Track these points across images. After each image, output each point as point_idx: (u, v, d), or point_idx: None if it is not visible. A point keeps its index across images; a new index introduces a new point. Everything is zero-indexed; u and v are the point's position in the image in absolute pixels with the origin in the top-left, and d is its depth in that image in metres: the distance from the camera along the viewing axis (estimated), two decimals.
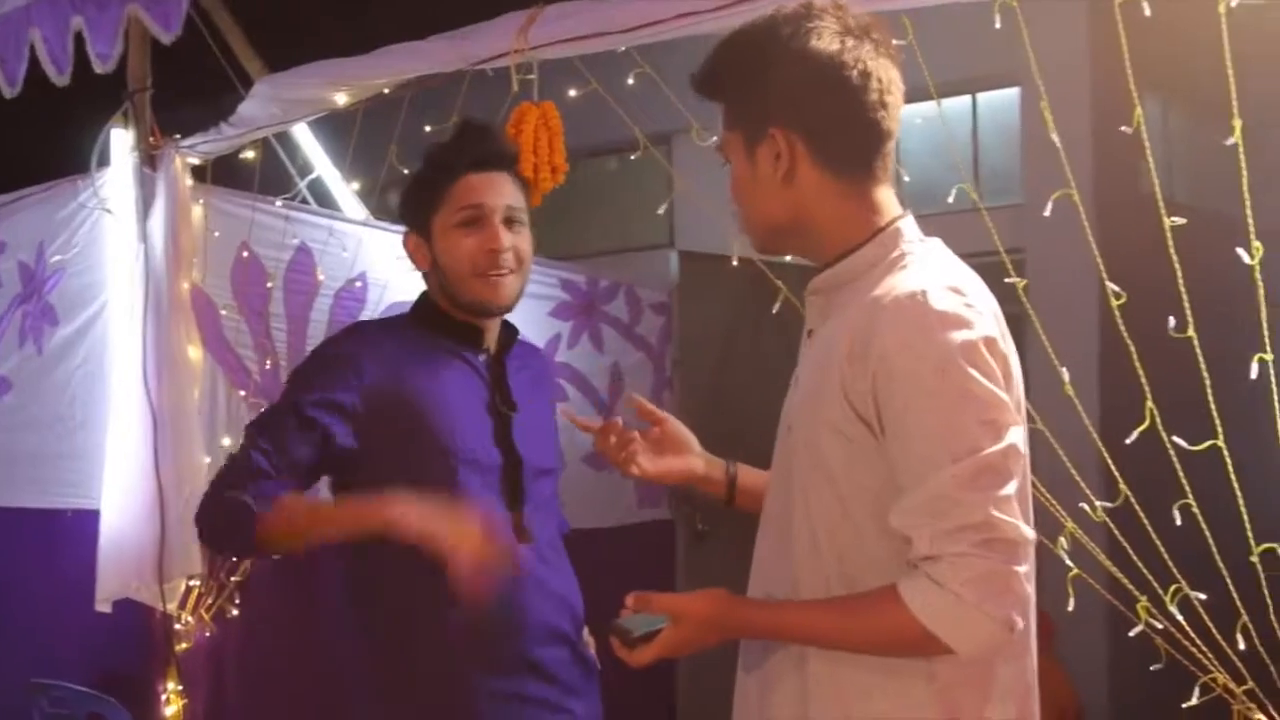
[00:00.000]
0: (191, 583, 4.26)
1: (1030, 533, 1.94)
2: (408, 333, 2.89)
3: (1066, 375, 2.93)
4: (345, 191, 5.04)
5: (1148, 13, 2.77)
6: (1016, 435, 1.97)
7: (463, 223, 2.84)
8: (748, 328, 6.53)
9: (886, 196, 2.16)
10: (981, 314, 2.02)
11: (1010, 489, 1.93)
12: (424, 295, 2.99)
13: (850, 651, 2.02)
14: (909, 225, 2.15)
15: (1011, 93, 7.61)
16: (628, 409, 2.73)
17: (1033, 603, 1.99)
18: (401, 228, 4.59)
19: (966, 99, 8.20)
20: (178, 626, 4.27)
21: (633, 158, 4.11)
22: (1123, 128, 2.92)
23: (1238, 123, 2.71)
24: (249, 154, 4.42)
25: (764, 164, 2.14)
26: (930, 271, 2.05)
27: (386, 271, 4.71)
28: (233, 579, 4.35)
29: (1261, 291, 2.64)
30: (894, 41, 2.18)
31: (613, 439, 2.60)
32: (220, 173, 4.52)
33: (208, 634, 4.33)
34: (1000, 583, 1.89)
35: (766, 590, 2.19)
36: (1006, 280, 2.99)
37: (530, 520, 2.85)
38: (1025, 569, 1.92)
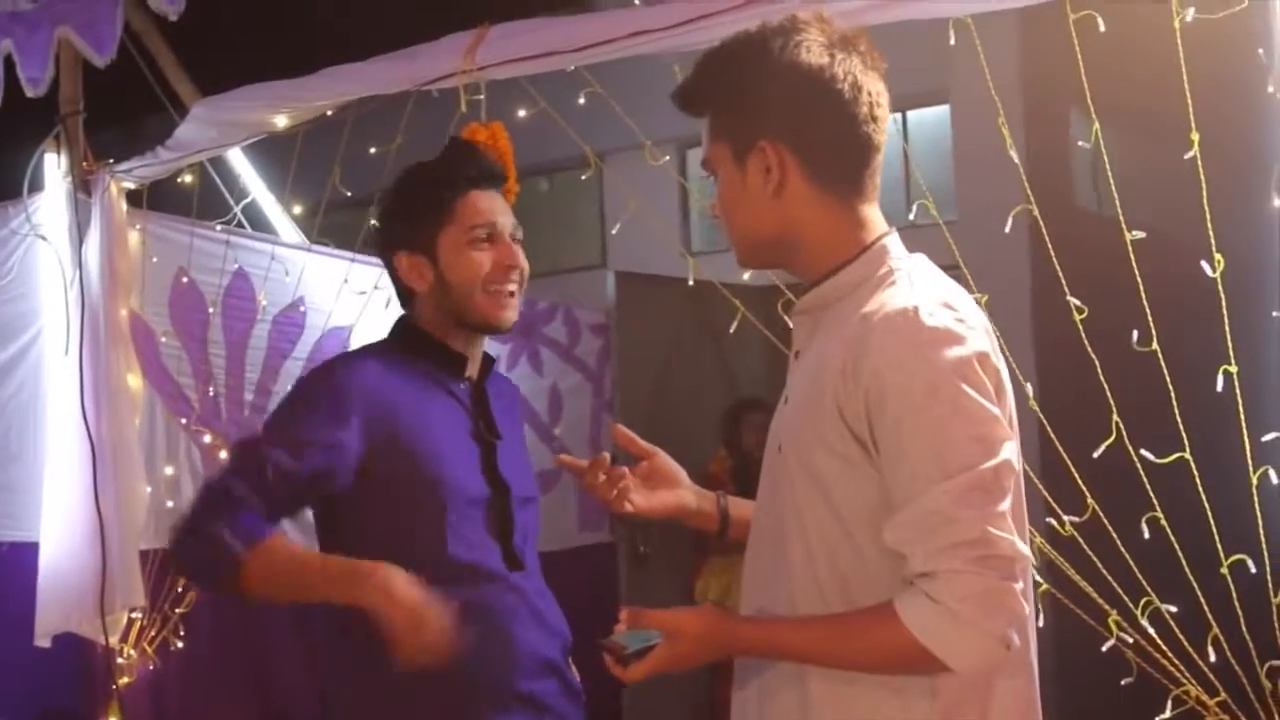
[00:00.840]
0: (134, 615, 4.18)
1: (1025, 549, 1.93)
2: (391, 362, 2.82)
3: (1031, 390, 2.93)
4: (281, 216, 4.97)
5: (1101, 28, 2.79)
6: (1009, 450, 1.96)
7: (479, 239, 2.81)
8: (685, 347, 6.53)
9: (873, 213, 2.14)
10: (973, 329, 2.01)
11: (1004, 505, 1.92)
12: (404, 322, 2.92)
13: (846, 670, 2.00)
14: (894, 242, 2.14)
15: (943, 110, 7.67)
16: (612, 442, 2.66)
17: (1029, 619, 1.98)
18: (344, 252, 4.60)
19: (896, 116, 8.26)
20: (120, 660, 4.19)
21: (584, 177, 4.08)
22: (1080, 142, 2.94)
23: (1195, 136, 2.73)
24: (187, 178, 4.34)
25: (754, 176, 2.10)
26: (921, 288, 2.04)
27: (326, 297, 4.64)
28: (177, 611, 4.26)
29: (1224, 304, 2.66)
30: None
31: (602, 476, 2.55)
32: (155, 196, 4.45)
33: (150, 667, 4.25)
34: (996, 599, 1.88)
35: (759, 609, 2.17)
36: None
37: (520, 549, 2.80)
38: (1021, 585, 1.91)
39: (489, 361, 2.93)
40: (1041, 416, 3.00)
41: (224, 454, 4.45)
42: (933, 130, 8.00)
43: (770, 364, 7.13)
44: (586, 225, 8.15)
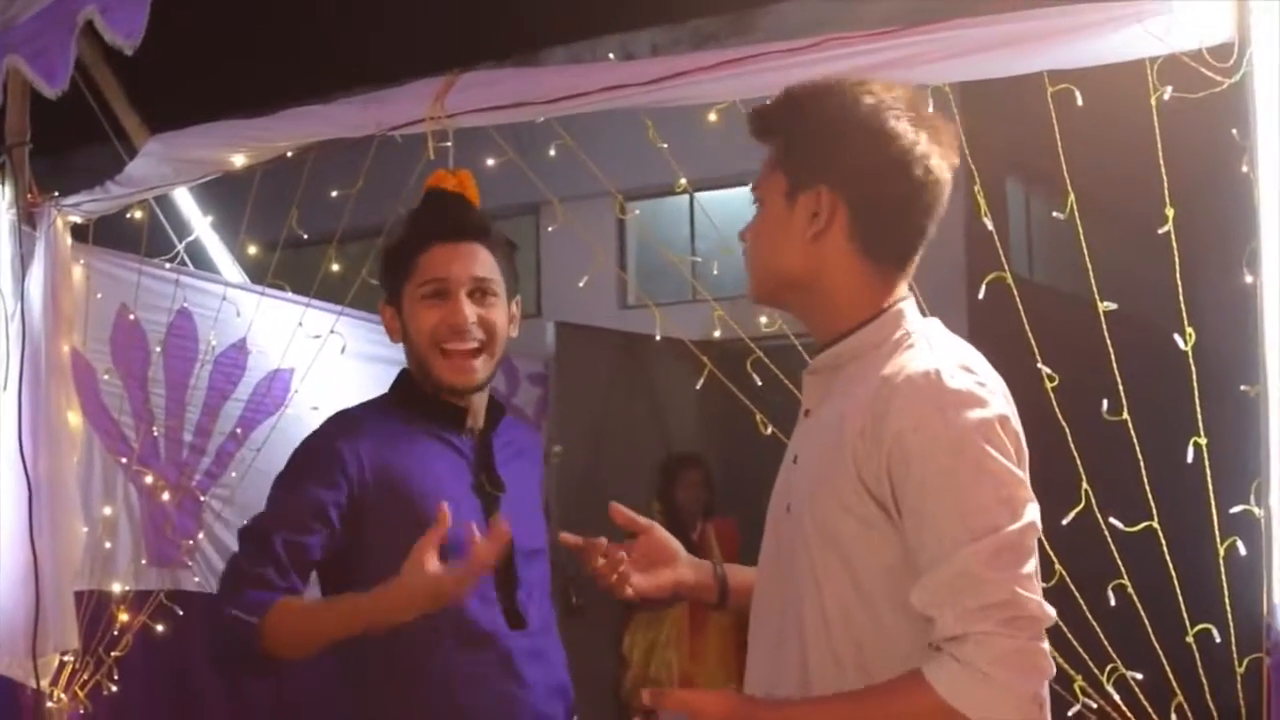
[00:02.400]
0: (66, 658, 4.07)
1: (1050, 610, 1.96)
2: (388, 417, 2.79)
3: None
4: (225, 255, 4.91)
5: (1079, 101, 2.83)
6: (1033, 512, 1.98)
7: (426, 295, 2.77)
8: (621, 399, 6.53)
9: (900, 284, 2.18)
10: (993, 392, 2.03)
11: (1030, 566, 1.95)
12: (404, 374, 2.90)
13: None
14: (910, 307, 2.17)
15: None
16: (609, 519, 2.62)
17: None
18: (299, 296, 4.55)
19: None
20: (50, 704, 4.07)
21: (550, 229, 4.07)
22: (1055, 214, 2.97)
23: (1170, 211, 2.77)
24: (137, 214, 4.27)
25: (799, 216, 2.13)
26: (940, 351, 2.06)
27: (273, 339, 4.58)
28: (111, 654, 4.17)
29: (1194, 377, 2.69)
30: None
31: (601, 560, 2.52)
32: (97, 232, 4.38)
33: (81, 712, 4.14)
34: (1029, 660, 1.91)
35: (769, 677, 2.16)
36: None
37: (524, 605, 2.77)
38: (1047, 646, 1.94)
39: (499, 412, 2.90)
40: None
41: (165, 495, 4.39)
42: None
43: (703, 418, 7.15)
44: (524, 275, 8.14)
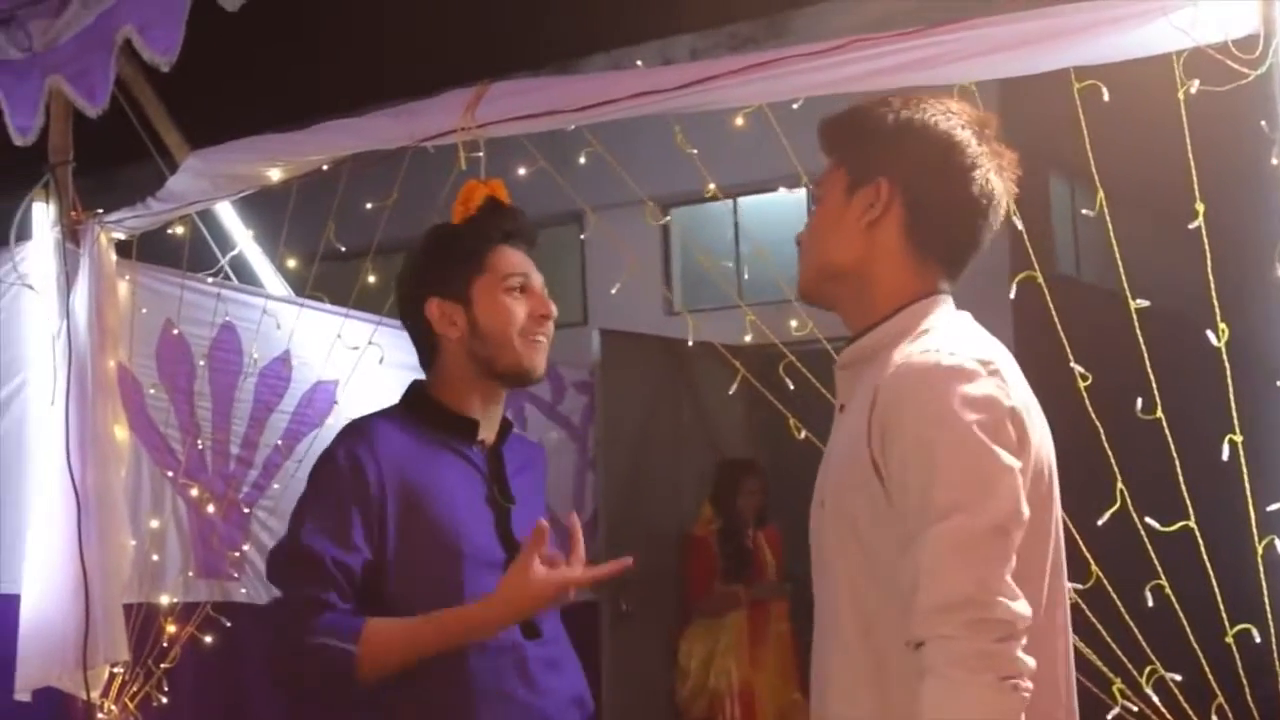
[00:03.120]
0: (116, 670, 4.11)
1: (1024, 608, 1.88)
2: (401, 428, 2.81)
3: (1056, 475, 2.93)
4: (268, 269, 4.95)
5: (1106, 97, 2.81)
6: (1013, 503, 1.93)
7: (511, 288, 2.84)
8: (668, 405, 6.53)
9: (939, 283, 2.22)
10: (1004, 382, 2.01)
11: (1001, 565, 1.89)
12: (416, 386, 2.92)
13: None
14: (943, 302, 2.20)
15: None
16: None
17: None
18: (338, 308, 4.57)
19: None
20: (101, 716, 4.11)
21: (583, 236, 4.07)
22: (1084, 210, 2.95)
23: (1200, 207, 2.74)
24: (178, 229, 4.31)
25: (857, 205, 2.19)
26: (953, 337, 2.07)
27: (315, 351, 4.62)
28: (160, 666, 4.21)
29: (1229, 373, 2.66)
30: None
31: None
32: (143, 247, 4.42)
33: None
34: (988, 661, 1.84)
35: (817, 675, 2.17)
36: None
37: (538, 616, 2.78)
38: (1019, 645, 1.86)
39: (507, 426, 2.93)
40: None
41: (211, 508, 4.42)
42: None
43: (751, 423, 7.14)
44: (568, 282, 8.13)
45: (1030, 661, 1.88)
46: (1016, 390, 2.06)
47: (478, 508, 2.78)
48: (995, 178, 2.19)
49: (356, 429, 2.81)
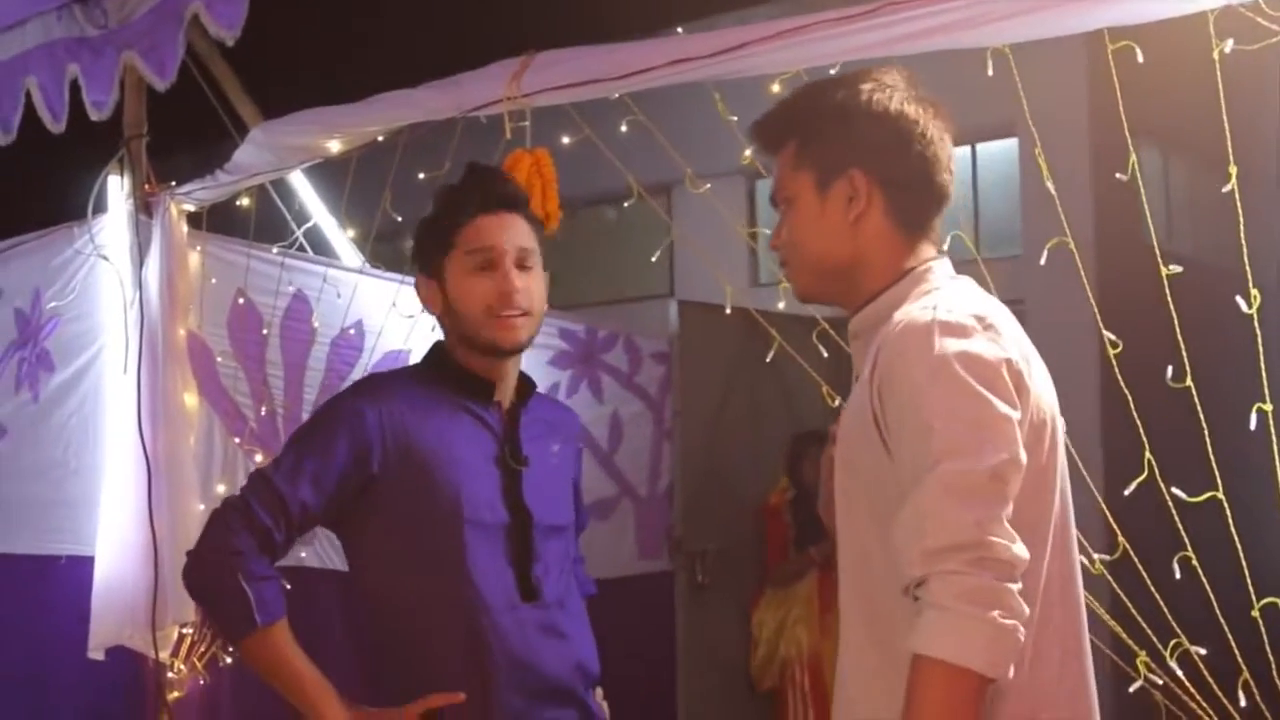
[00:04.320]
0: (184, 630, 4.21)
1: (1023, 552, 1.89)
2: (416, 386, 2.86)
3: (1063, 426, 2.89)
4: (341, 239, 5.02)
5: (1140, 59, 2.76)
6: (1011, 450, 1.93)
7: (475, 266, 2.83)
8: (746, 377, 6.52)
9: (928, 249, 2.24)
10: (999, 337, 2.02)
11: (1003, 509, 1.89)
12: (437, 346, 2.97)
13: None
14: (941, 265, 2.22)
15: (1011, 143, 7.60)
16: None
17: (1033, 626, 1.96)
18: (395, 275, 4.64)
19: (965, 149, 8.19)
20: (170, 675, 4.22)
21: (626, 205, 4.08)
22: (1117, 174, 2.90)
23: (1233, 170, 2.69)
24: (245, 201, 4.39)
25: (834, 204, 2.20)
26: (949, 296, 2.09)
27: (381, 319, 4.68)
28: None
29: (1260, 341, 2.61)
30: None
31: None
32: (218, 219, 4.51)
33: (201, 683, 4.28)
34: (995, 597, 1.85)
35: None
36: None
37: (540, 579, 2.81)
38: (1018, 588, 1.88)
39: (528, 386, 2.94)
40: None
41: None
42: (1001, 165, 7.94)
43: (829, 395, 7.09)
44: (655, 255, 8.18)
45: (1025, 608, 1.88)
46: (1013, 344, 2.06)
47: (485, 468, 2.81)
48: (942, 132, 2.22)
49: (369, 383, 2.90)
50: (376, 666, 2.76)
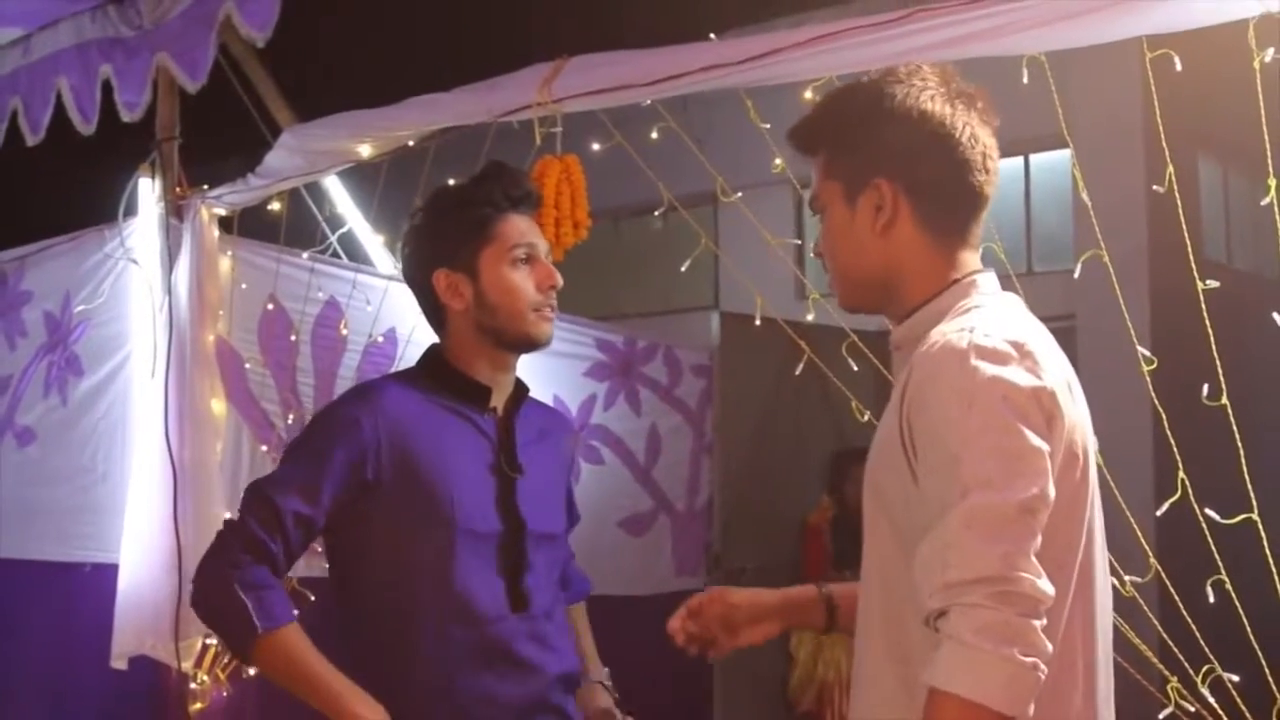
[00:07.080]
0: (208, 641, 4.17)
1: (1048, 587, 1.82)
2: (412, 391, 2.82)
3: (1094, 445, 2.80)
4: (374, 244, 4.98)
5: (1179, 68, 2.68)
6: (1041, 485, 1.86)
7: (517, 260, 2.82)
8: (789, 391, 6.44)
9: (971, 258, 2.16)
10: (1038, 366, 1.94)
11: (1027, 542, 1.82)
12: (432, 350, 2.93)
13: None
14: (986, 279, 2.14)
15: (1065, 154, 7.48)
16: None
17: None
18: None
19: (1018, 160, 8.08)
20: (193, 686, 4.18)
21: (670, 215, 4.02)
22: (1155, 187, 2.82)
23: (1273, 182, 2.60)
24: (276, 205, 4.36)
25: (863, 214, 2.14)
26: (990, 318, 2.01)
27: (412, 325, 4.63)
28: None
29: None
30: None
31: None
32: (250, 224, 4.48)
33: (224, 694, 4.24)
34: (1013, 631, 1.78)
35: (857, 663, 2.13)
36: None
37: (530, 589, 2.77)
38: (1042, 624, 1.81)
39: (522, 392, 2.91)
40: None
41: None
42: (1055, 177, 7.82)
43: (877, 410, 7.00)
44: (699, 265, 8.11)
45: (1048, 645, 1.82)
46: (1051, 372, 1.98)
47: (480, 476, 2.78)
48: (979, 126, 2.12)
49: (363, 390, 2.86)
50: (359, 674, 2.71)
